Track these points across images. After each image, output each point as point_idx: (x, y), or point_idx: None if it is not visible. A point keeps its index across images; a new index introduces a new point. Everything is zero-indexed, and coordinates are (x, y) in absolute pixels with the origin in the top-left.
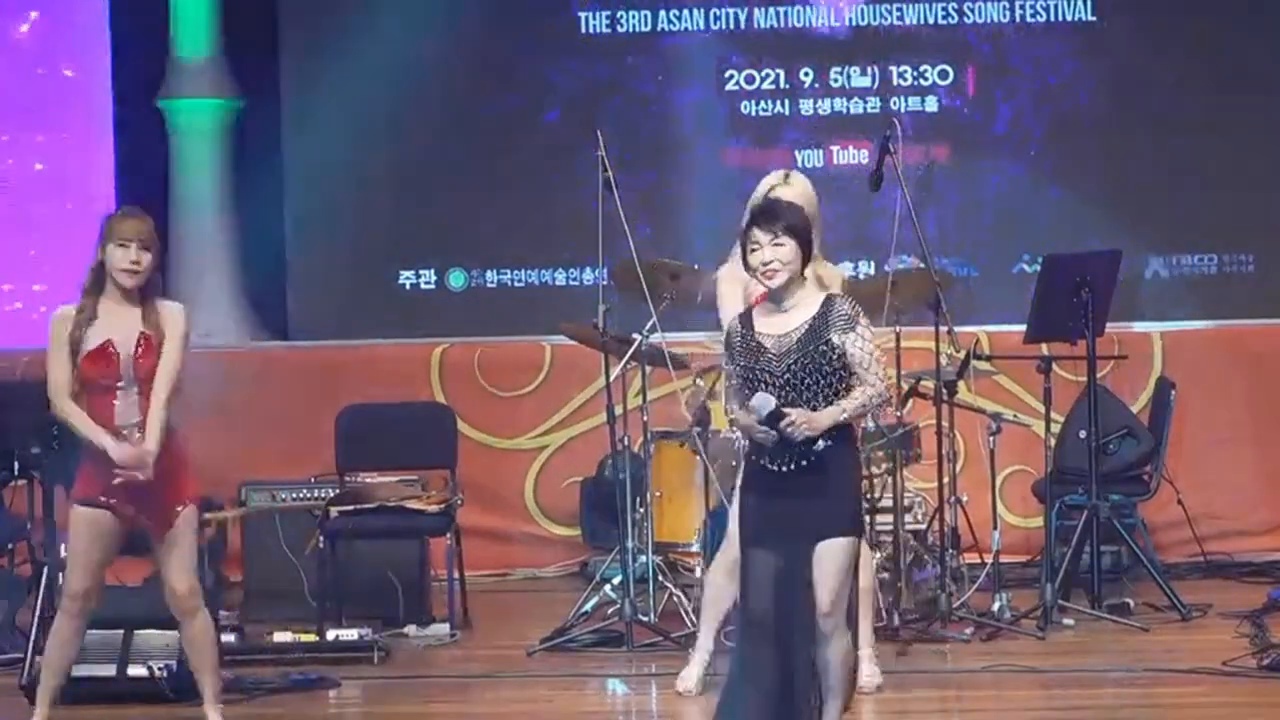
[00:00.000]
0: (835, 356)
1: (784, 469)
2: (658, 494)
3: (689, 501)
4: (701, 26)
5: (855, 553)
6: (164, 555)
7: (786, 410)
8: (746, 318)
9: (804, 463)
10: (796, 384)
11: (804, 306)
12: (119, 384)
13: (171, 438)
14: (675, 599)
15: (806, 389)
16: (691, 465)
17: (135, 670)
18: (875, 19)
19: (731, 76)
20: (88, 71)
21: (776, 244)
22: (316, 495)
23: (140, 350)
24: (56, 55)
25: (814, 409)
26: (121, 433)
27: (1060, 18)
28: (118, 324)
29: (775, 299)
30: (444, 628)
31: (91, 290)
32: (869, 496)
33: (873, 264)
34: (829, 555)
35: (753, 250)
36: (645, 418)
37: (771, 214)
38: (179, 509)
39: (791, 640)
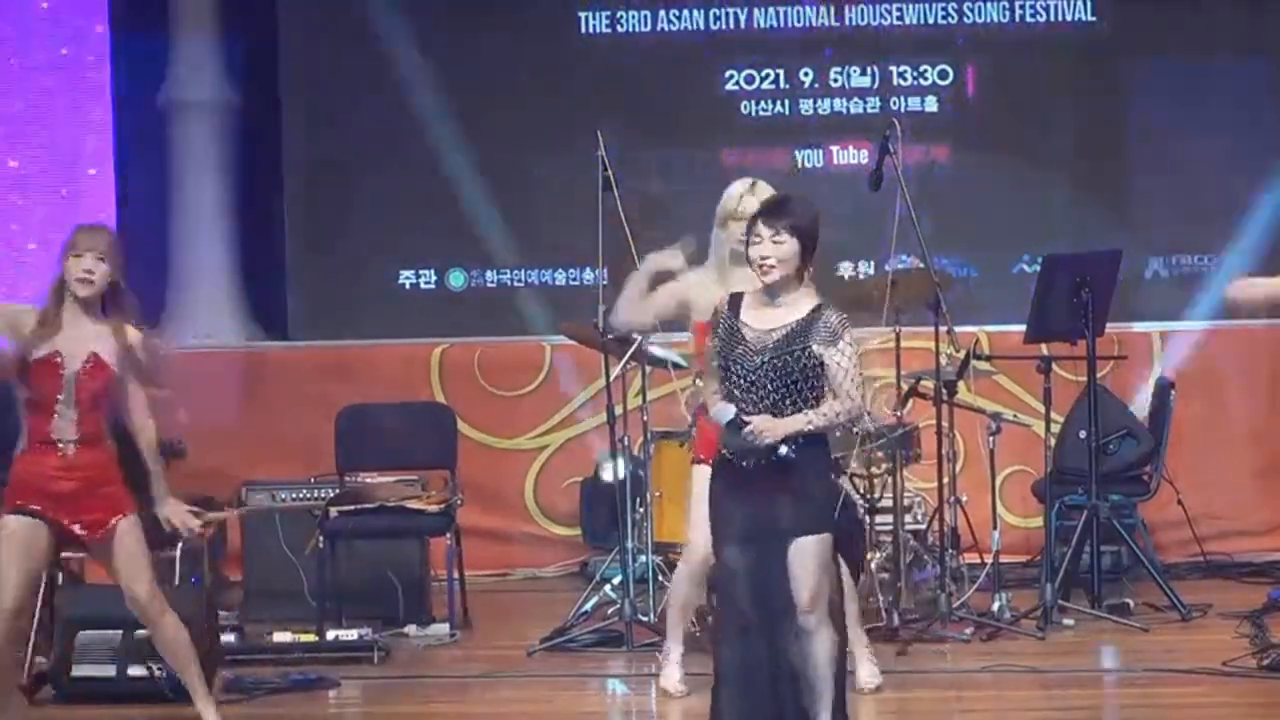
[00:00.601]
0: (809, 365)
1: (749, 465)
2: (657, 494)
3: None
4: (701, 27)
5: (829, 549)
6: (113, 565)
7: (747, 419)
8: (735, 303)
9: (766, 462)
10: (764, 382)
11: (794, 308)
12: (59, 398)
13: (102, 450)
14: None
15: (774, 389)
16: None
17: (135, 670)
18: (875, 19)
19: (731, 77)
20: (88, 69)
21: (777, 240)
22: (316, 495)
23: (87, 369)
24: (56, 50)
25: (777, 412)
26: (58, 448)
27: (1060, 18)
28: (71, 336)
29: (770, 294)
30: (444, 628)
31: (54, 303)
32: (868, 497)
33: (872, 264)
34: (804, 552)
35: (754, 243)
36: (645, 418)
37: (778, 210)
38: (115, 519)
39: (774, 638)
